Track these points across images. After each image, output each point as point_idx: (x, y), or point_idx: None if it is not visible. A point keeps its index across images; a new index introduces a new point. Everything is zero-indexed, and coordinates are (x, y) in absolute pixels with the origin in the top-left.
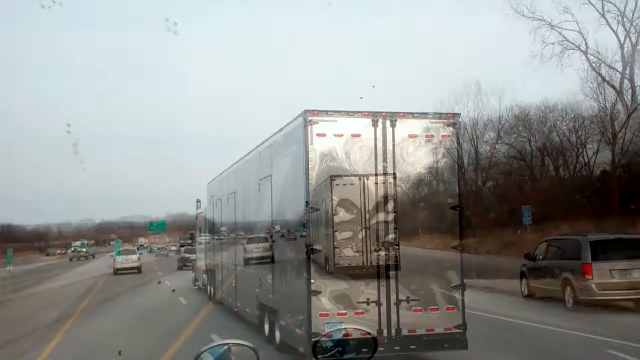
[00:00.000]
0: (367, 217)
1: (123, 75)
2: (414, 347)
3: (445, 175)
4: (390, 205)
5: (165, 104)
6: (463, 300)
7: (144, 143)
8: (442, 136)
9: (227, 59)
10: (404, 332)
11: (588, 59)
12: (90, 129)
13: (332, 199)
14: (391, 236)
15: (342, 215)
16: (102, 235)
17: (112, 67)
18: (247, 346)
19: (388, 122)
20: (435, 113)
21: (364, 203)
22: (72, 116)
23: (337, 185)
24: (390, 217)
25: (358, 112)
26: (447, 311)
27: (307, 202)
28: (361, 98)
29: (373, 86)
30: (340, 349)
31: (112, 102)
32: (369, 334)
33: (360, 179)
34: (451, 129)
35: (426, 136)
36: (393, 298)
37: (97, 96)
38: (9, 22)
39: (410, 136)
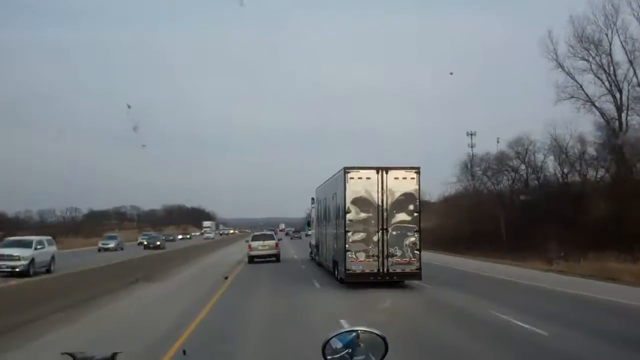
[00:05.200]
0: (385, 216)
1: (123, 72)
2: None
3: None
4: (412, 205)
5: (161, 98)
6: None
7: (139, 133)
8: (410, 178)
9: (226, 61)
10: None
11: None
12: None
13: (345, 195)
14: (411, 240)
15: (355, 213)
16: (95, 226)
17: (115, 63)
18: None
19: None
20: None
21: (382, 200)
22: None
23: (351, 179)
24: (411, 217)
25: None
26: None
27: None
28: (451, 74)
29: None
30: (350, 350)
31: (109, 91)
32: (380, 335)
33: (378, 172)
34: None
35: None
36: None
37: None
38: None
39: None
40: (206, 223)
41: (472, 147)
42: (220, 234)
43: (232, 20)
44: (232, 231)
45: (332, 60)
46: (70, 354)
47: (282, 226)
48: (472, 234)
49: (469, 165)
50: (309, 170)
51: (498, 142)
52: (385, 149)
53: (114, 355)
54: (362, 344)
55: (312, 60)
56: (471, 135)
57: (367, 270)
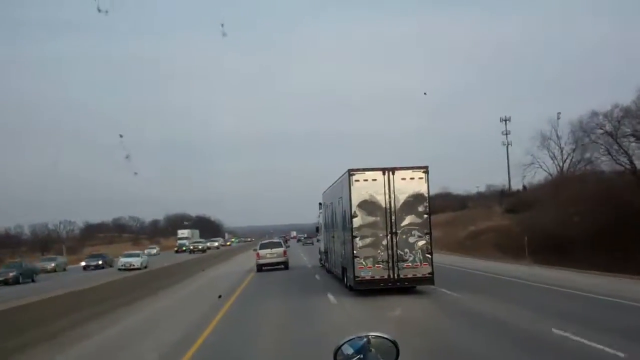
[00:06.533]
0: (394, 219)
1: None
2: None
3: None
4: (421, 206)
5: (156, 108)
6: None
7: (131, 161)
8: (418, 178)
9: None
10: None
11: None
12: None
13: (350, 199)
14: (421, 243)
15: (362, 217)
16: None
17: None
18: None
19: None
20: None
21: (390, 202)
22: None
23: (356, 181)
24: (421, 219)
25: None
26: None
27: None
28: (425, 94)
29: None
30: (362, 356)
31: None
32: (391, 340)
33: (384, 173)
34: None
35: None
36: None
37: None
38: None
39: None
40: (182, 232)
41: (507, 134)
42: (192, 251)
43: (236, 29)
44: (216, 244)
45: (342, 65)
46: None
47: (294, 233)
48: (592, 235)
49: (584, 132)
50: (321, 174)
51: (559, 118)
52: (402, 149)
53: None
54: (373, 349)
55: (321, 65)
56: (505, 121)
57: (377, 277)
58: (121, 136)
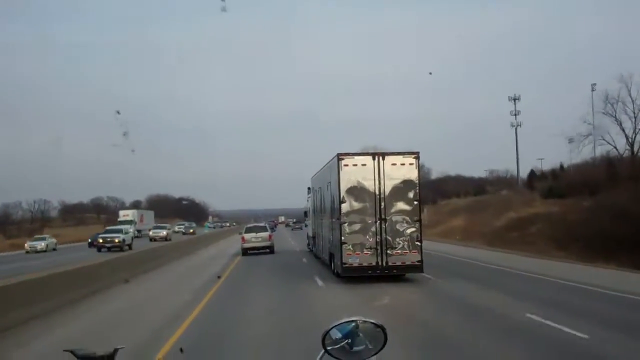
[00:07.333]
0: (383, 205)
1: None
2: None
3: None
4: (412, 192)
5: (152, 89)
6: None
7: (129, 138)
8: (409, 164)
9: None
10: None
11: None
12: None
13: (339, 184)
14: (411, 230)
15: (351, 203)
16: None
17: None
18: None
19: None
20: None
21: (379, 188)
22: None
23: (345, 166)
24: (410, 206)
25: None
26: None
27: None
28: (430, 73)
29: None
30: (350, 341)
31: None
32: (378, 325)
33: (374, 158)
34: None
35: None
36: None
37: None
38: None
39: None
40: (125, 213)
41: (515, 115)
42: (103, 246)
43: (226, 10)
44: (164, 232)
45: (342, 47)
46: (71, 351)
47: (282, 218)
48: None
49: None
50: (310, 158)
51: (593, 89)
52: (400, 133)
53: (115, 351)
54: (361, 334)
55: (311, 46)
56: (514, 100)
57: (365, 264)
58: (118, 113)
